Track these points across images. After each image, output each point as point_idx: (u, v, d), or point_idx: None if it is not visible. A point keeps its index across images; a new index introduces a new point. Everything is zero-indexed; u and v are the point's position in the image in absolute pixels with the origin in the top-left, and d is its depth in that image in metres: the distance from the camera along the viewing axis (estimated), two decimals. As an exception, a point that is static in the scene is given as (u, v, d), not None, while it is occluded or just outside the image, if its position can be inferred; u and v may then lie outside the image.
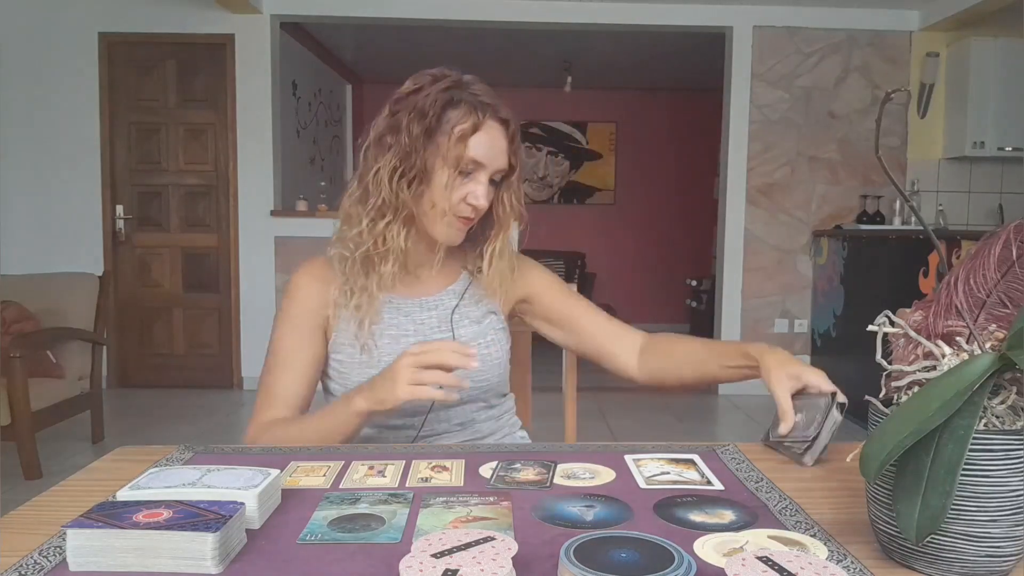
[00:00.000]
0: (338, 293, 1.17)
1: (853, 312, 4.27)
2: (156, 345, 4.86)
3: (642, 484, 0.85)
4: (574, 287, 1.40)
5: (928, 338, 0.70)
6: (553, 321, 1.29)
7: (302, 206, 4.81)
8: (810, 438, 0.93)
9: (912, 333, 0.69)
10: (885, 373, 0.71)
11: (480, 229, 1.21)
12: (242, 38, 4.65)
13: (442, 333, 1.19)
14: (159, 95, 4.73)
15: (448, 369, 0.97)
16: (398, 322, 1.18)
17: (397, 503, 0.78)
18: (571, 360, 1.45)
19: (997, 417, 0.63)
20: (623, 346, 1.25)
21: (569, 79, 6.24)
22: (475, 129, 1.10)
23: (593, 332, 1.26)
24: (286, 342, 1.17)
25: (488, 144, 1.11)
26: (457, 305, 1.22)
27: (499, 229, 1.21)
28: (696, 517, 0.75)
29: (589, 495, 0.81)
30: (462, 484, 0.85)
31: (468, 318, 1.22)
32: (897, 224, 4.68)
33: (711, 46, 5.05)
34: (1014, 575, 0.63)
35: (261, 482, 0.75)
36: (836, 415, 0.92)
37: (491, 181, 1.15)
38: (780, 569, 0.56)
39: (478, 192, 1.12)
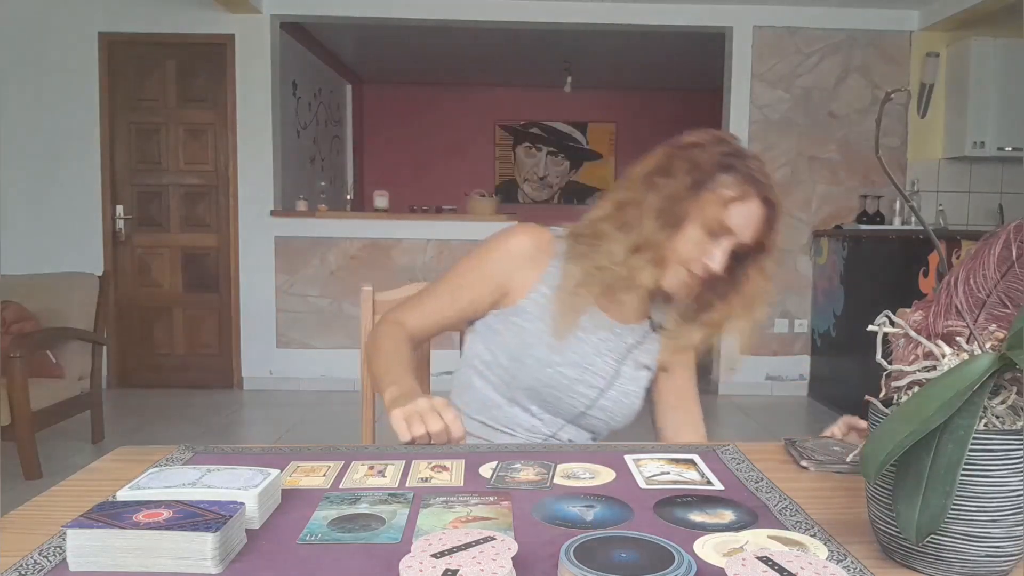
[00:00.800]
0: (556, 280, 1.22)
1: (853, 312, 4.27)
2: (156, 345, 4.86)
3: (642, 484, 0.85)
4: None
5: (928, 338, 0.70)
6: (663, 396, 1.33)
7: (302, 206, 4.82)
8: (846, 462, 0.92)
9: (912, 333, 0.69)
10: (885, 373, 0.71)
11: (704, 294, 1.22)
12: (242, 38, 4.65)
13: (613, 362, 1.25)
14: (159, 95, 4.73)
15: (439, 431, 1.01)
16: (584, 328, 1.23)
17: (397, 503, 0.78)
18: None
19: (997, 417, 0.63)
20: (684, 435, 1.33)
21: (569, 79, 6.25)
22: (739, 199, 1.13)
23: (680, 418, 1.33)
24: (467, 278, 1.25)
25: (745, 216, 1.14)
26: (634, 346, 1.27)
27: (729, 308, 1.22)
28: (696, 517, 0.75)
29: (589, 495, 0.81)
30: (462, 484, 0.85)
31: (635, 362, 1.28)
32: (897, 224, 4.68)
33: (711, 46, 5.05)
34: (1014, 575, 0.63)
35: (261, 482, 0.75)
36: None
37: (734, 253, 1.16)
38: (780, 569, 0.56)
39: (716, 256, 1.14)
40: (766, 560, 0.57)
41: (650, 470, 0.89)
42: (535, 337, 1.21)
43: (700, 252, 1.15)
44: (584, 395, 1.23)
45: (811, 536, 0.69)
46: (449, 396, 1.29)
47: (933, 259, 3.40)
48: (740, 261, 1.18)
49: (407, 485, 0.84)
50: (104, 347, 3.63)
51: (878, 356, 0.70)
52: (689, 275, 1.17)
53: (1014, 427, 0.62)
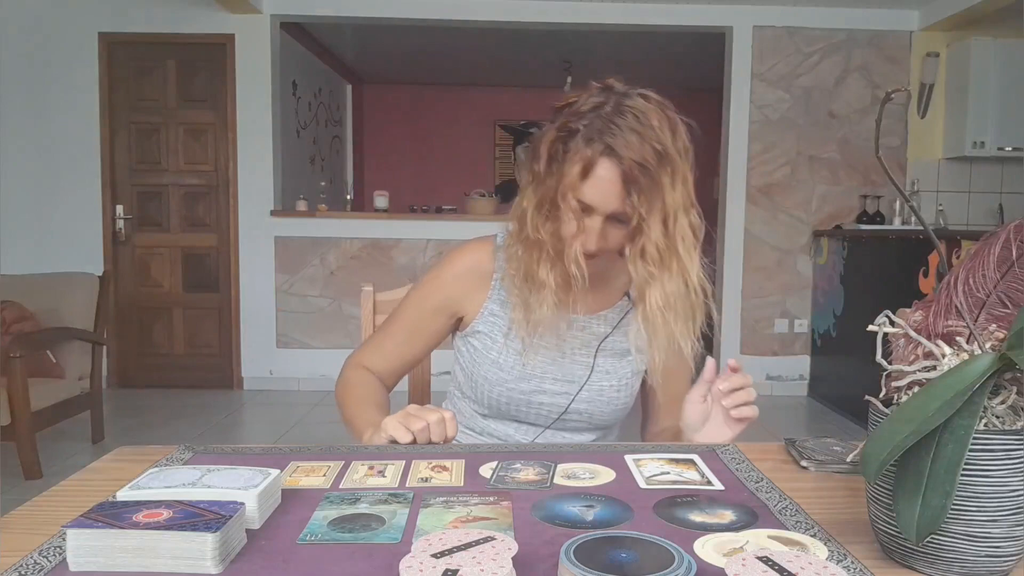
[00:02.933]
0: (502, 294, 1.17)
1: (853, 312, 4.27)
2: (156, 345, 4.86)
3: (642, 484, 0.85)
4: None
5: (928, 338, 0.70)
6: (653, 400, 1.25)
7: (302, 206, 4.82)
8: (846, 462, 0.92)
9: (912, 333, 0.69)
10: (885, 373, 0.71)
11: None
12: (242, 38, 4.65)
13: (584, 358, 1.17)
14: (159, 95, 4.73)
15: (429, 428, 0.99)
16: (539, 335, 1.13)
17: (397, 503, 0.78)
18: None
19: (997, 417, 0.63)
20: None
21: (569, 79, 6.24)
22: (585, 171, 0.99)
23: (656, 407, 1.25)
24: (421, 312, 1.21)
25: (597, 186, 0.99)
26: (608, 335, 1.17)
27: (635, 293, 1.09)
28: (696, 517, 0.75)
29: (589, 495, 0.81)
30: (462, 484, 0.85)
31: (613, 350, 1.18)
32: (897, 224, 4.68)
33: (711, 46, 5.05)
34: (1014, 575, 0.63)
35: (261, 482, 0.75)
36: None
37: (619, 221, 1.03)
38: (780, 569, 0.56)
39: (586, 234, 1.02)
40: (766, 560, 0.57)
41: (650, 470, 0.89)
42: (483, 356, 1.17)
43: (574, 230, 1.03)
44: (549, 404, 1.17)
45: (811, 536, 0.69)
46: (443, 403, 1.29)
47: (933, 259, 3.39)
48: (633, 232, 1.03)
49: (407, 485, 0.84)
50: (104, 347, 3.63)
51: (878, 356, 0.70)
52: (584, 256, 1.04)
53: (1014, 427, 0.62)
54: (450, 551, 0.60)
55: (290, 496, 0.81)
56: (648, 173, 0.99)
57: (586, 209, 1.02)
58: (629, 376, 1.20)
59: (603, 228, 1.03)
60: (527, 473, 0.88)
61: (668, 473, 0.88)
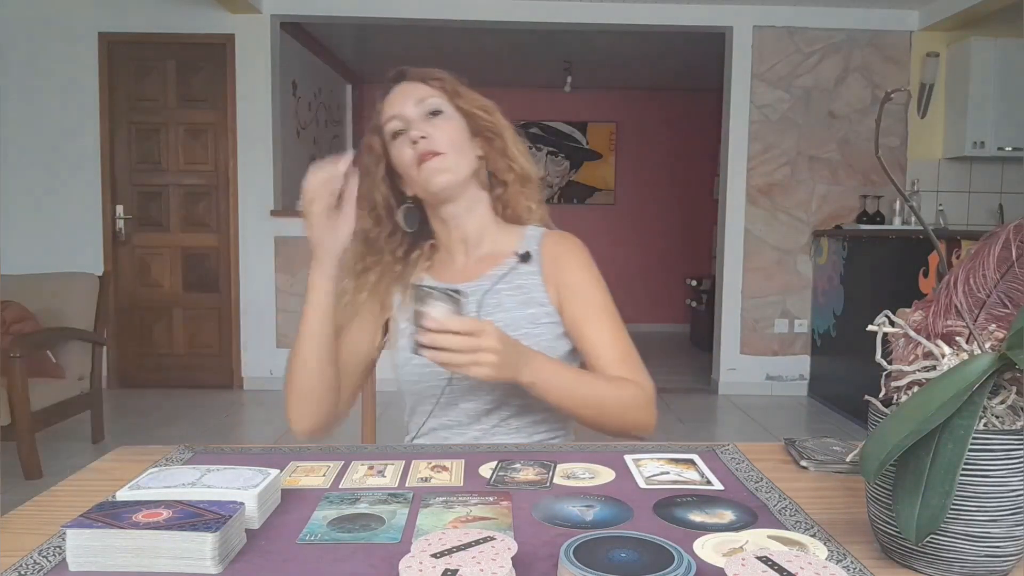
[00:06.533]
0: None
1: (853, 312, 4.27)
2: (156, 345, 4.86)
3: (642, 484, 0.85)
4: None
5: (928, 338, 0.70)
6: (569, 333, 1.14)
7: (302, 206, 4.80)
8: (846, 462, 0.92)
9: (912, 333, 0.69)
10: (885, 373, 0.71)
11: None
12: (242, 38, 4.65)
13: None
14: (159, 95, 4.73)
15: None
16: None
17: (397, 503, 0.78)
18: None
19: (997, 417, 0.63)
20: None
21: (569, 79, 6.25)
22: (385, 101, 1.16)
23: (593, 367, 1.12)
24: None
25: (397, 97, 1.15)
26: (490, 290, 1.11)
27: (495, 187, 1.22)
28: (696, 517, 0.75)
29: (589, 495, 0.81)
30: (462, 484, 0.85)
31: (502, 307, 1.11)
32: (897, 224, 4.68)
33: (711, 46, 5.05)
34: (1014, 575, 0.63)
35: (261, 482, 0.75)
36: None
37: (433, 114, 1.14)
38: (780, 569, 0.56)
39: (411, 132, 1.12)
40: (766, 560, 0.57)
41: (650, 470, 0.89)
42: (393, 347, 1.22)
43: (404, 144, 1.13)
44: (439, 375, 1.09)
45: (811, 536, 0.69)
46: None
47: (933, 259, 3.39)
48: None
49: (407, 485, 0.84)
50: (104, 347, 3.63)
51: (878, 356, 0.70)
52: (424, 157, 1.10)
53: (1014, 427, 0.62)
54: (450, 551, 0.60)
55: (290, 496, 0.81)
56: (439, 76, 1.17)
57: (397, 124, 1.14)
58: (531, 324, 1.11)
59: (424, 126, 1.12)
60: (527, 473, 0.88)
61: (668, 473, 0.88)
